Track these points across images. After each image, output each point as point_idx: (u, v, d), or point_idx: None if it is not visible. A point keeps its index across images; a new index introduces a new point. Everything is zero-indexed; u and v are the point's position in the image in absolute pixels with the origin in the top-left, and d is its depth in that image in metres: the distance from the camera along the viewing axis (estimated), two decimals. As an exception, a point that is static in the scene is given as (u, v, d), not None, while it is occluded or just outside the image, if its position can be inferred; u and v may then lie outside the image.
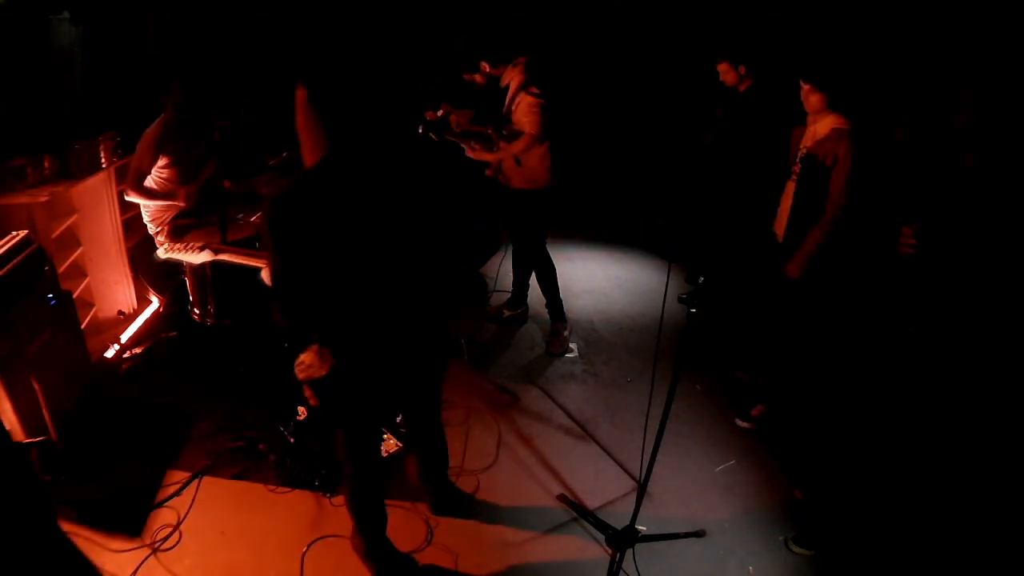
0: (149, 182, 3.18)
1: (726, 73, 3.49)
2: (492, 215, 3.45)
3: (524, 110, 3.09)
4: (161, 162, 3.15)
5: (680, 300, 1.86)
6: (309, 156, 1.65)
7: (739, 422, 3.09)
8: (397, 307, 1.79)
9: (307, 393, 1.85)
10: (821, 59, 2.68)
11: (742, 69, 3.43)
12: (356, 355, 1.80)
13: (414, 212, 1.72)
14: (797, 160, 2.78)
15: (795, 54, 3.20)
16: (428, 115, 3.44)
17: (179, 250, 2.87)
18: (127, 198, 3.18)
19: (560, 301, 3.69)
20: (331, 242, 1.60)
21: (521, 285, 3.90)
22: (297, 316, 1.71)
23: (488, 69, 3.21)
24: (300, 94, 1.58)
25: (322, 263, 1.62)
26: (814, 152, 2.63)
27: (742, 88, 3.49)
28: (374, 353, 1.82)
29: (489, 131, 3.35)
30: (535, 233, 3.51)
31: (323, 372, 1.75)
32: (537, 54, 3.19)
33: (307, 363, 1.75)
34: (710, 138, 4.00)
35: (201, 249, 2.81)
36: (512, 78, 3.16)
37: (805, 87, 2.62)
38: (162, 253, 2.97)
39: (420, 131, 3.40)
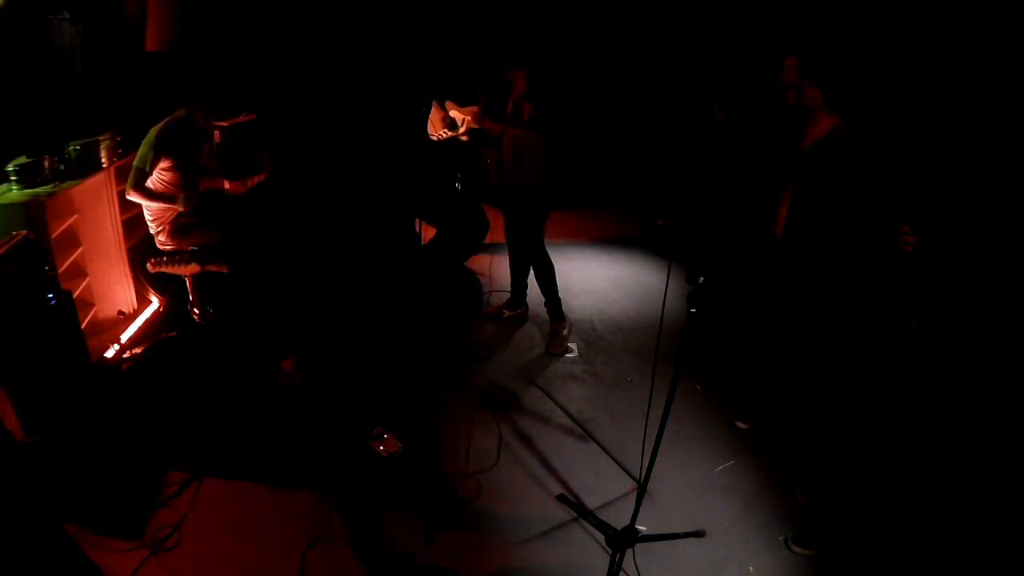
0: (150, 183, 3.18)
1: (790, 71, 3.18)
2: (479, 212, 3.45)
3: (527, 106, 3.14)
4: (163, 164, 3.15)
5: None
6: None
7: (738, 424, 3.09)
8: (367, 299, 1.81)
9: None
10: (819, 56, 2.67)
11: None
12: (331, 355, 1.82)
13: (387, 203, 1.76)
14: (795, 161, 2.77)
15: (798, 52, 3.18)
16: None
17: (167, 266, 2.90)
18: (128, 197, 3.18)
19: (559, 301, 3.69)
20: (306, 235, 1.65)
21: (519, 285, 3.91)
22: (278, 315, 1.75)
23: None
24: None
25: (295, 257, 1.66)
26: (811, 153, 2.62)
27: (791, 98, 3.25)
28: (349, 351, 1.84)
29: (487, 127, 3.37)
30: (535, 232, 3.51)
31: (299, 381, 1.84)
32: (539, 53, 3.21)
33: (286, 370, 1.84)
34: (722, 117, 3.93)
35: (188, 262, 2.84)
36: (519, 76, 3.20)
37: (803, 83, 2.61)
38: (151, 268, 2.99)
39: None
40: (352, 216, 1.65)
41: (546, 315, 3.74)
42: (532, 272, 3.68)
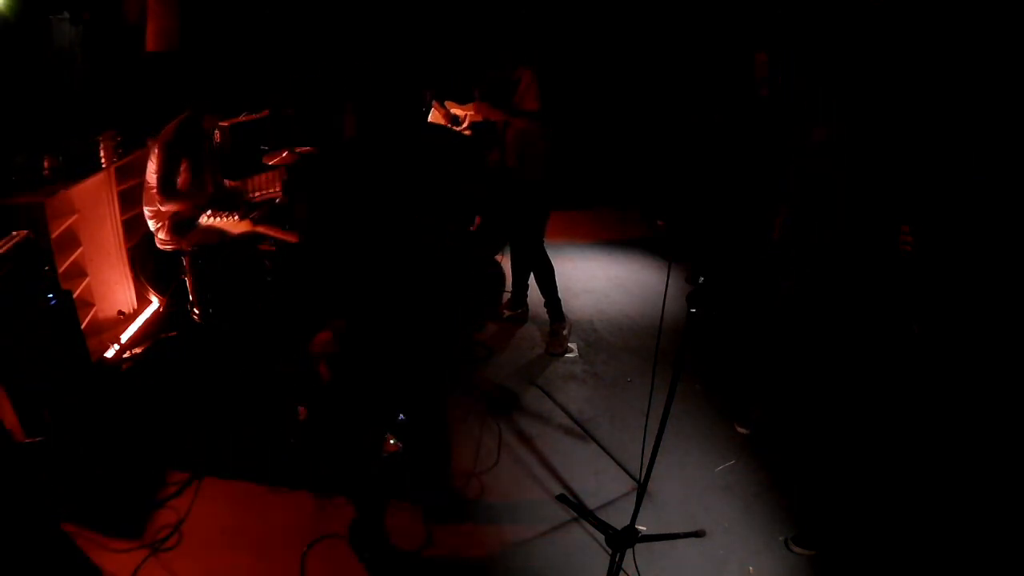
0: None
1: (762, 67, 3.28)
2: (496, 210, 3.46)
3: (529, 91, 3.17)
4: (181, 166, 3.13)
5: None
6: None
7: (739, 428, 3.08)
8: (406, 288, 1.86)
9: (322, 368, 1.94)
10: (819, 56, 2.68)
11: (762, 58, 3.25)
12: (370, 334, 1.86)
13: (424, 198, 1.83)
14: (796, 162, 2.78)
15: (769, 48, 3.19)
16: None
17: (220, 219, 2.91)
18: (162, 209, 3.07)
19: (559, 301, 3.69)
20: (344, 212, 1.69)
21: (520, 286, 3.91)
22: (319, 288, 1.81)
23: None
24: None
25: (335, 233, 1.70)
26: (813, 154, 2.63)
27: (764, 91, 3.35)
28: (386, 332, 1.88)
29: (486, 113, 3.39)
30: (534, 230, 3.52)
31: (337, 349, 1.85)
32: (542, 51, 3.23)
33: (323, 340, 1.88)
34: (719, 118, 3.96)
35: (240, 219, 2.86)
36: (523, 74, 3.22)
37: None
38: (204, 220, 3.01)
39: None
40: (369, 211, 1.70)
41: (546, 315, 3.74)
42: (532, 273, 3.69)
